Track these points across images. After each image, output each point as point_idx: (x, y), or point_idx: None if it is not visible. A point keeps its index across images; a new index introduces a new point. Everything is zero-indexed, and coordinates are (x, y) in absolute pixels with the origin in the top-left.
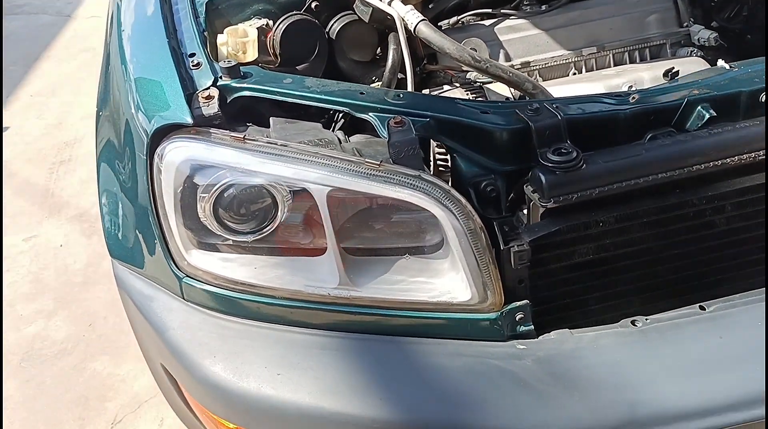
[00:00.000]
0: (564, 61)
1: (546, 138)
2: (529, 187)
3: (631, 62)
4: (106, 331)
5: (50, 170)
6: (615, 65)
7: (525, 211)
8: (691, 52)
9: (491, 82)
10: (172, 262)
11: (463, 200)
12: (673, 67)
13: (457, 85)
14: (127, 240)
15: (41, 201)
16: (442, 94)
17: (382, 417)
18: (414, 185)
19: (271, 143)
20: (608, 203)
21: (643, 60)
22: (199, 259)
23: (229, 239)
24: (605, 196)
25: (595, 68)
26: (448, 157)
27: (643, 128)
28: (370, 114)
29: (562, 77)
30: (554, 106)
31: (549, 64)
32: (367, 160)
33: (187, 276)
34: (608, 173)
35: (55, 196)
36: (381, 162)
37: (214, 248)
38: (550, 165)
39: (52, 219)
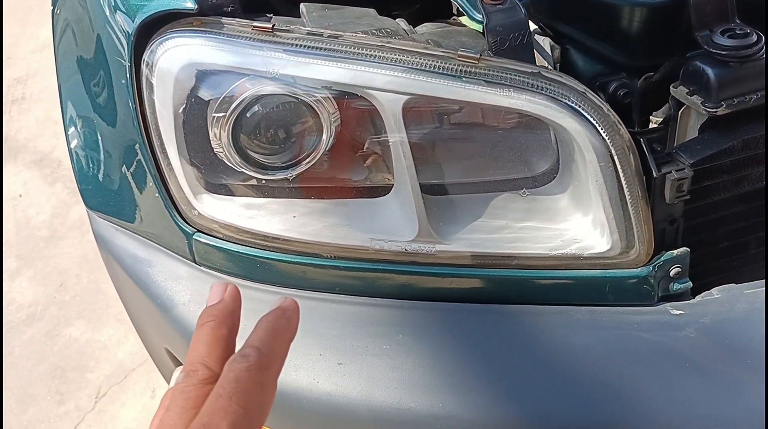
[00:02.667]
0: None
1: (706, 15)
2: (682, 87)
3: None
4: (79, 291)
5: (2, 110)
6: None
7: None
8: None
9: None
10: (176, 213)
11: (606, 107)
12: None
13: None
14: (109, 185)
15: None
16: None
17: (497, 419)
18: (534, 86)
19: (315, 34)
20: None
21: None
22: (214, 207)
23: (254, 178)
24: None
25: None
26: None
27: None
28: None
29: None
30: None
31: None
32: (461, 52)
33: (199, 231)
34: None
35: (9, 139)
36: (480, 55)
37: (232, 191)
38: (722, 52)
39: (8, 166)
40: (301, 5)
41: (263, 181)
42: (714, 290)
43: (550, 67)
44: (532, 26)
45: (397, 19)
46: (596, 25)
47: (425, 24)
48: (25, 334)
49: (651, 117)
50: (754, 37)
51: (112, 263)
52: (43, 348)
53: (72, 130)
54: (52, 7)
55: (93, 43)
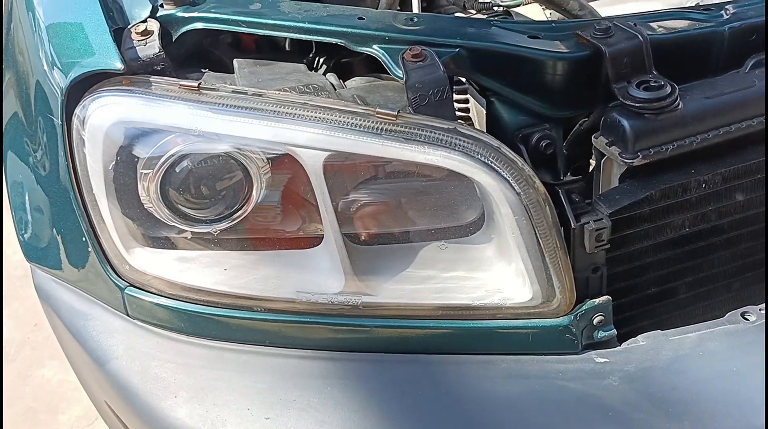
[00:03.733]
0: None
1: (623, 68)
2: (602, 138)
3: None
4: (53, 331)
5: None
6: None
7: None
8: None
9: (519, 4)
10: (108, 267)
11: (520, 161)
12: None
13: (473, 12)
14: (46, 238)
15: None
16: None
17: None
18: (449, 143)
19: (239, 93)
20: (711, 156)
21: None
22: (146, 261)
23: (187, 231)
24: (708, 146)
25: None
26: (471, 104)
27: (742, 52)
28: (375, 46)
29: None
30: (631, 23)
31: None
32: (379, 110)
33: (131, 285)
34: (715, 113)
35: None
36: (398, 112)
37: (166, 244)
38: (635, 105)
39: None
40: (234, 60)
41: (194, 235)
42: (640, 337)
43: (485, 111)
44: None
45: (327, 74)
46: (518, 79)
47: (354, 78)
48: None
49: (591, 161)
50: (668, 89)
51: (51, 315)
52: (16, 389)
53: (12, 182)
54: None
55: (31, 98)
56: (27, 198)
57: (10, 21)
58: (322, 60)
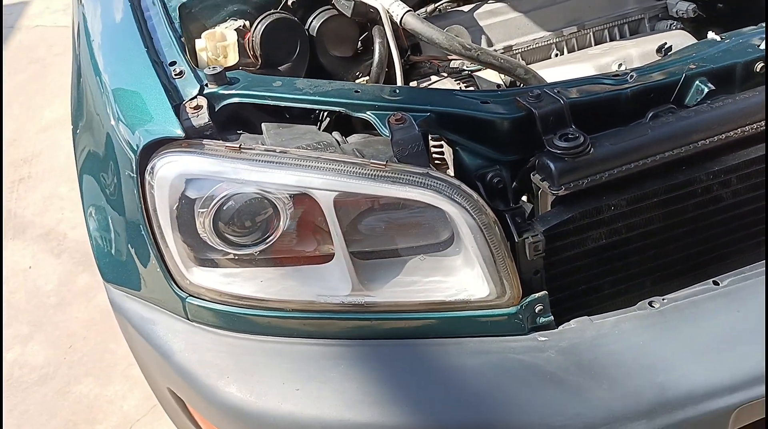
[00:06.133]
0: (545, 43)
1: (550, 124)
2: (537, 175)
3: (611, 39)
4: (87, 351)
5: (10, 189)
6: (596, 44)
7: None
8: (670, 25)
9: (480, 70)
10: (173, 282)
11: (475, 195)
12: (666, 42)
13: (445, 74)
14: (120, 262)
15: (3, 222)
16: (432, 85)
17: (409, 425)
18: (423, 183)
19: (270, 151)
20: (617, 186)
21: (623, 36)
22: (202, 277)
23: (231, 253)
24: (614, 179)
25: (576, 48)
26: (444, 149)
27: (644, 107)
28: (368, 112)
29: (544, 59)
30: (555, 90)
31: (531, 47)
32: (372, 160)
33: (191, 295)
34: (617, 155)
35: (18, 216)
36: (387, 162)
37: (214, 264)
38: (558, 151)
39: (17, 240)
40: (262, 124)
41: (237, 256)
42: (572, 321)
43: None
44: None
45: (333, 133)
46: (474, 133)
47: (354, 135)
48: (39, 393)
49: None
50: (582, 139)
51: (124, 323)
52: (56, 404)
53: (91, 219)
54: (72, 126)
55: (103, 145)
56: (105, 231)
57: (79, 77)
58: (325, 114)
